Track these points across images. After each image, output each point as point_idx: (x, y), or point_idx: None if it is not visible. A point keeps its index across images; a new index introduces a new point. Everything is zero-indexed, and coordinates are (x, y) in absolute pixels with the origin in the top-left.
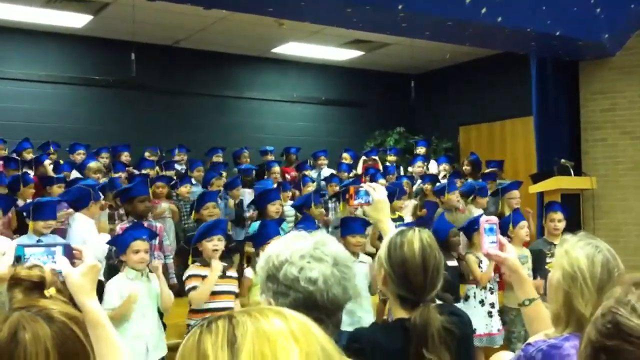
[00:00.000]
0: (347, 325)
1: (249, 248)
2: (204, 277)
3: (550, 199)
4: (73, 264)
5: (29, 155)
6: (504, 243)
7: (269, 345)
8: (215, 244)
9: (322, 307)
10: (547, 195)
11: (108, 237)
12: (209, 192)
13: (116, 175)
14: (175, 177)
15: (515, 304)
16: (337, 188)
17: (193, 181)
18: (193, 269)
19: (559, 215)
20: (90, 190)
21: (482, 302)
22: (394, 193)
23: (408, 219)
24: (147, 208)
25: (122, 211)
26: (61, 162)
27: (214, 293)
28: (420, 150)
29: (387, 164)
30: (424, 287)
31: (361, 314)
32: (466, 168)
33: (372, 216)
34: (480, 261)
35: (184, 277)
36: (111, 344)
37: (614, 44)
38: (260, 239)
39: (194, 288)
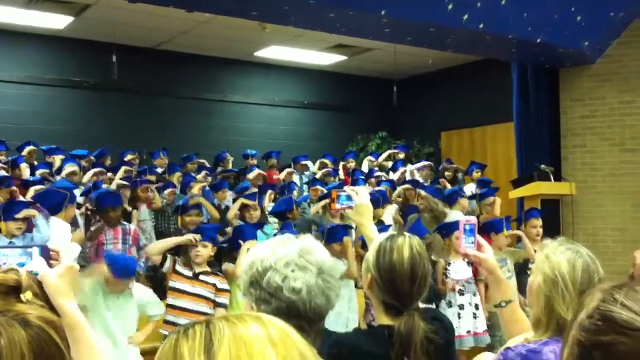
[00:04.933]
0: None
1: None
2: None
3: (530, 204)
4: (50, 266)
5: (1, 157)
6: (482, 244)
7: (245, 350)
8: (197, 251)
9: (304, 316)
10: (527, 201)
11: (79, 247)
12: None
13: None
14: (156, 181)
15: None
16: (319, 192)
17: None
18: (171, 279)
19: (540, 222)
20: (67, 194)
21: (449, 304)
22: (378, 201)
23: (389, 222)
24: (117, 216)
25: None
26: (35, 163)
27: (188, 294)
28: (400, 155)
29: (371, 168)
30: (411, 295)
31: (348, 314)
32: (448, 174)
33: (354, 220)
34: (449, 264)
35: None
36: (89, 345)
37: (594, 51)
38: (236, 243)
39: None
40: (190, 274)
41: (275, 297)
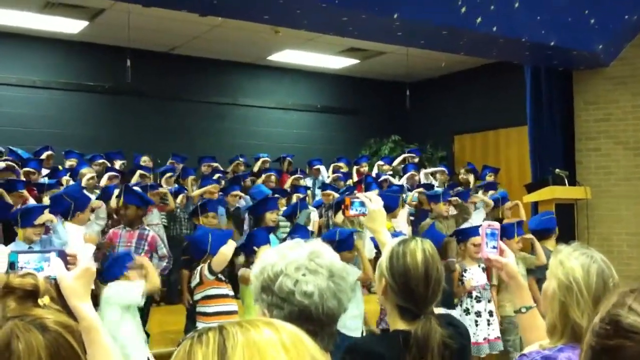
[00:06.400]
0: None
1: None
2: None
3: (545, 209)
4: (68, 270)
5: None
6: (504, 249)
7: (259, 356)
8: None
9: (316, 320)
10: (542, 205)
11: (93, 247)
12: (210, 201)
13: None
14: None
15: (509, 312)
16: (331, 197)
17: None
18: (213, 287)
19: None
20: (71, 203)
21: (467, 311)
22: (396, 200)
23: (403, 226)
24: (134, 216)
25: None
26: (60, 167)
27: (219, 297)
28: (415, 159)
29: (380, 172)
30: (426, 298)
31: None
32: (463, 177)
33: (368, 226)
34: (464, 270)
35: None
36: (104, 347)
37: (608, 54)
38: (249, 248)
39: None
40: (224, 279)
41: (288, 302)
